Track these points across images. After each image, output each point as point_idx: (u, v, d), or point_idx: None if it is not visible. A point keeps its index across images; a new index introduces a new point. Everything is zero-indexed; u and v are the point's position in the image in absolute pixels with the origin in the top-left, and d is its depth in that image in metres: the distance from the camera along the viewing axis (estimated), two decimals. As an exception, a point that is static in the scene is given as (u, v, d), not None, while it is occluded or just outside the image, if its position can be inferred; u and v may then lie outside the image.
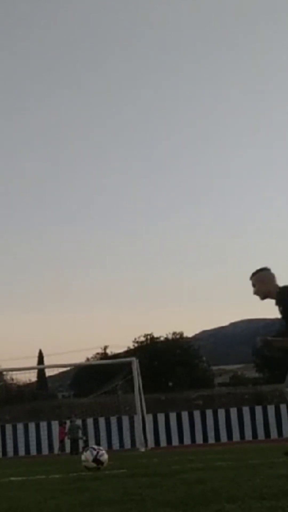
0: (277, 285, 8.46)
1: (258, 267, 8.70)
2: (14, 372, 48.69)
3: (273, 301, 8.76)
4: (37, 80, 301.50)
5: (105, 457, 9.29)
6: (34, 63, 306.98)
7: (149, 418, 32.12)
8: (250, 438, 33.66)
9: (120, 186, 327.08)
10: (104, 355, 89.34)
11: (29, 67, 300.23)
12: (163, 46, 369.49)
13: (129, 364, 29.42)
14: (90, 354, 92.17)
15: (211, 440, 34.05)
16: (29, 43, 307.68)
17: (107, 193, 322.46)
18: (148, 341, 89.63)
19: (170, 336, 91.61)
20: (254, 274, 8.66)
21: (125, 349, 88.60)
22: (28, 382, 78.36)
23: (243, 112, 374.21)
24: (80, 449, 31.93)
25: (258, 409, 35.15)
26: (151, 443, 31.17)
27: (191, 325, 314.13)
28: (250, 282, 8.76)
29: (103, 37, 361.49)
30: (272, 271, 8.58)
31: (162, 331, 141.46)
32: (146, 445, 28.54)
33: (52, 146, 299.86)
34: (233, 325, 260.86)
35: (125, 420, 34.22)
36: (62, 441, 33.51)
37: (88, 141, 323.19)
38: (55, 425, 34.99)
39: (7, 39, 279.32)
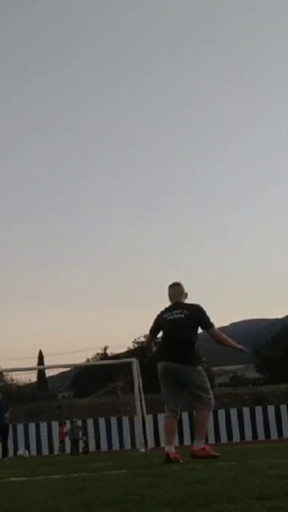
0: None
1: (174, 281, 10.50)
2: (14, 373, 48.66)
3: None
4: (30, 71, 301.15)
5: None
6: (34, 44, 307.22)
7: (149, 419, 32.16)
8: (250, 439, 33.72)
9: (118, 178, 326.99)
10: (104, 356, 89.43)
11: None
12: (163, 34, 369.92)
13: (129, 364, 29.42)
14: (90, 355, 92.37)
15: (211, 440, 34.07)
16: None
17: (104, 187, 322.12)
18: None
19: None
20: (171, 286, 10.22)
21: (125, 349, 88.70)
22: (28, 382, 78.52)
23: (232, 100, 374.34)
24: (81, 450, 32.02)
25: (258, 410, 35.20)
26: (151, 443, 31.20)
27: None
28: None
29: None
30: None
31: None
32: (146, 446, 28.55)
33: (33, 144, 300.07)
34: (234, 325, 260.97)
35: (125, 420, 34.29)
36: (62, 442, 33.56)
37: (63, 146, 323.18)
38: (55, 425, 35.05)
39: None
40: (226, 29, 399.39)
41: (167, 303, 10.40)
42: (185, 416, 34.96)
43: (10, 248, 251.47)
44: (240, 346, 10.35)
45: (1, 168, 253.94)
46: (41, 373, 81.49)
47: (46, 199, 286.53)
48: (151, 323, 10.54)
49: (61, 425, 34.38)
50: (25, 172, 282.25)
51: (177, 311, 10.22)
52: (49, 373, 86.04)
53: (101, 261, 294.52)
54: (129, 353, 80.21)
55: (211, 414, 10.97)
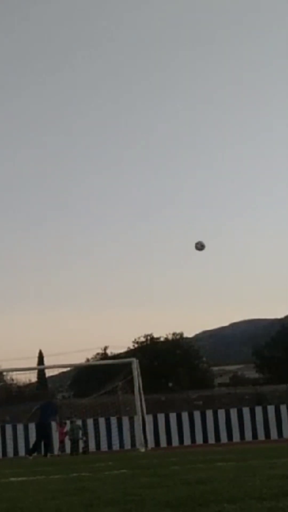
0: None
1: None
2: (14, 373, 48.76)
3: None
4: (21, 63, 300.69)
5: None
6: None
7: (149, 419, 32.12)
8: (250, 439, 33.64)
9: (118, 178, 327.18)
10: (104, 356, 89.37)
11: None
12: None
13: (129, 364, 29.40)
14: (90, 355, 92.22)
15: (211, 440, 34.03)
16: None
17: (104, 187, 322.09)
18: (148, 342, 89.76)
19: (170, 337, 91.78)
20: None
21: (125, 349, 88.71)
22: (28, 382, 78.48)
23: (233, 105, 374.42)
24: (81, 450, 31.98)
25: (258, 410, 35.13)
26: (151, 443, 31.17)
27: (191, 325, 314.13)
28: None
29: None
30: None
31: (162, 332, 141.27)
32: (146, 446, 28.53)
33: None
34: (234, 325, 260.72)
35: (125, 420, 34.21)
36: (62, 442, 33.52)
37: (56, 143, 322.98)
38: (55, 425, 34.94)
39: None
40: (226, 28, 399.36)
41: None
42: (185, 416, 34.97)
43: (10, 248, 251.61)
44: None
45: (1, 167, 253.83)
46: (41, 373, 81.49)
47: (46, 199, 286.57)
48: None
49: (61, 425, 34.33)
50: (24, 171, 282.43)
51: None
52: (49, 373, 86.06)
53: (101, 261, 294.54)
54: (129, 353, 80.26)
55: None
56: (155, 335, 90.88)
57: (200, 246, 20.75)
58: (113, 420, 34.82)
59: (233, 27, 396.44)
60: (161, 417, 34.73)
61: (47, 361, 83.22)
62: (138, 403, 28.10)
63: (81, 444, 32.42)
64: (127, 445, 32.88)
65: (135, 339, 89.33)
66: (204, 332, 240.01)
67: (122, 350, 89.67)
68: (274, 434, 34.12)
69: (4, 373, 68.16)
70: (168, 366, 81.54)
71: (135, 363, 28.50)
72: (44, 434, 26.90)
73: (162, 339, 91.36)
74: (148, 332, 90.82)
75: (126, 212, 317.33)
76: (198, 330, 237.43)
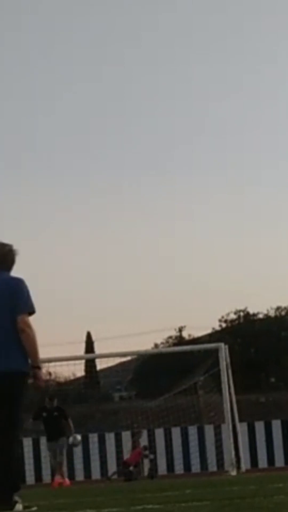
0: None
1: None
2: (51, 364, 48.96)
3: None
4: None
5: None
6: None
7: (243, 428, 32.14)
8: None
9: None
10: (180, 340, 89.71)
11: None
12: None
13: (215, 352, 29.48)
14: (159, 339, 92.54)
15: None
16: None
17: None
18: (241, 320, 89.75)
19: (272, 313, 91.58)
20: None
21: (209, 331, 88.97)
22: (71, 378, 79.12)
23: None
24: (146, 472, 32.04)
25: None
26: (246, 463, 31.24)
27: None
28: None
29: None
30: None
31: (261, 306, 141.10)
32: (238, 466, 28.65)
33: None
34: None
35: (209, 431, 34.28)
36: (137, 465, 32.55)
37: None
38: (110, 439, 35.06)
39: None
40: None
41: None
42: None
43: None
44: None
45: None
46: (89, 365, 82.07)
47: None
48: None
49: (134, 444, 32.95)
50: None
51: None
52: (101, 364, 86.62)
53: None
54: (214, 336, 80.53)
55: None
56: (251, 311, 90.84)
57: None
58: (192, 431, 34.96)
59: None
60: (259, 426, 34.72)
61: (98, 348, 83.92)
62: (227, 407, 28.18)
63: (146, 465, 32.50)
64: (212, 466, 33.04)
65: (222, 317, 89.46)
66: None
67: (205, 331, 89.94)
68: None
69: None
70: (269, 354, 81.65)
71: (223, 350, 28.54)
72: None
73: (260, 316, 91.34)
74: (241, 307, 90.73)
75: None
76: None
